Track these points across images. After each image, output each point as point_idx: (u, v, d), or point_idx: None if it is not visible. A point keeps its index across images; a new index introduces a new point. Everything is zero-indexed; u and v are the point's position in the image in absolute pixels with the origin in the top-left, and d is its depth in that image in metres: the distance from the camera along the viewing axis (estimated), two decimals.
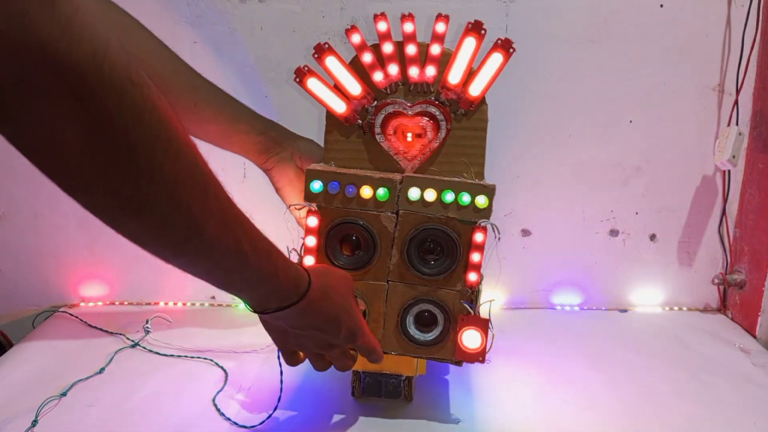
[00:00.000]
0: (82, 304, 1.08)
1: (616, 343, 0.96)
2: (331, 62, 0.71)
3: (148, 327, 0.97)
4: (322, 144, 0.76)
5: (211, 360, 0.88)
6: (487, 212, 0.69)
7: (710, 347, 0.95)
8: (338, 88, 0.72)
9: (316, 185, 0.71)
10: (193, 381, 0.83)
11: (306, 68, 0.72)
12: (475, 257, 0.70)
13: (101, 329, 0.98)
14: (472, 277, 0.71)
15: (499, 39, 0.66)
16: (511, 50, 0.67)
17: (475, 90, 0.69)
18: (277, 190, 0.82)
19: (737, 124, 0.99)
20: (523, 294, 1.09)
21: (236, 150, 0.81)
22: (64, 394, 0.79)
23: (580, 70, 0.99)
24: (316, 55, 0.70)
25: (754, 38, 0.97)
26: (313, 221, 0.72)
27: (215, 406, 0.77)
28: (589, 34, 0.97)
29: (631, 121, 1.01)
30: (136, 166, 0.39)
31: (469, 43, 0.67)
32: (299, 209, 0.74)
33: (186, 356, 0.90)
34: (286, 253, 0.64)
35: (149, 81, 0.39)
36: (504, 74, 0.98)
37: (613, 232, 1.06)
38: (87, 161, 0.37)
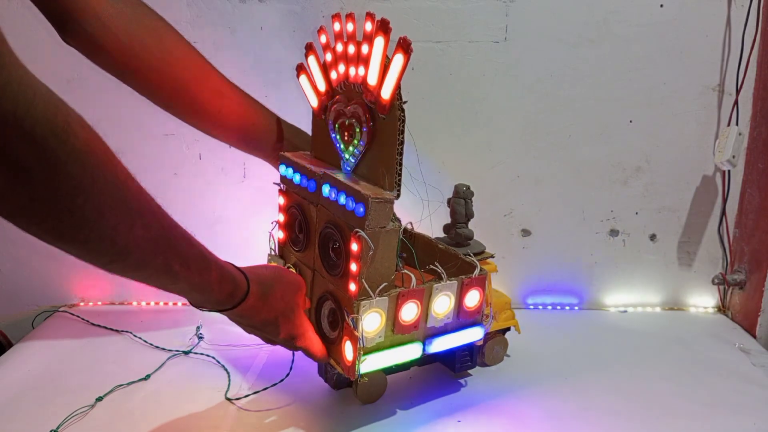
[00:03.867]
0: (82, 304, 1.08)
1: (616, 343, 0.96)
2: (311, 61, 0.75)
3: (201, 334, 0.95)
4: None
5: (213, 358, 0.88)
6: (361, 222, 0.63)
7: (710, 347, 0.95)
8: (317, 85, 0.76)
9: (282, 169, 0.78)
10: (198, 379, 0.83)
11: (302, 65, 0.77)
12: (352, 266, 0.65)
13: (106, 327, 0.98)
14: (351, 286, 0.65)
15: (400, 38, 0.61)
16: (410, 50, 0.60)
17: (385, 93, 0.63)
18: None
19: (737, 124, 0.99)
20: (522, 294, 1.09)
21: (258, 155, 0.85)
22: (100, 399, 0.78)
23: (580, 70, 0.99)
24: (305, 53, 0.76)
25: (754, 38, 0.97)
26: (281, 200, 0.80)
27: (228, 399, 0.78)
28: (589, 34, 0.97)
29: (631, 121, 1.01)
30: (55, 207, 0.41)
31: (379, 42, 0.63)
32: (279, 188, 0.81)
33: (192, 352, 0.90)
34: (271, 226, 0.82)
35: (79, 127, 0.41)
36: (504, 74, 1.00)
37: (613, 232, 1.06)
38: (8, 199, 0.39)
